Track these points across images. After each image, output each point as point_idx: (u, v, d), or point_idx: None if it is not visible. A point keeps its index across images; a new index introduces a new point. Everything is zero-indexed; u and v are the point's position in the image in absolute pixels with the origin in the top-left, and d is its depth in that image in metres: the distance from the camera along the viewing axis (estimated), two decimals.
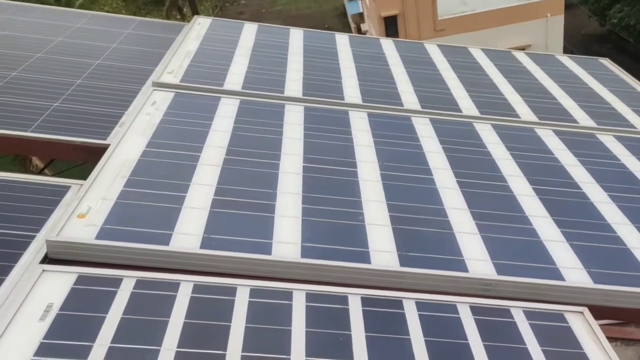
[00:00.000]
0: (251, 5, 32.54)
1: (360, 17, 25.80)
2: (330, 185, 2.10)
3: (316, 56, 3.32)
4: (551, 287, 1.72)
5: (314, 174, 2.15)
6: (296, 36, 3.57)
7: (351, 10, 26.80)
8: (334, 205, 1.98)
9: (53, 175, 4.30)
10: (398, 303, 1.60)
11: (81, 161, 2.34)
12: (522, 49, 19.96)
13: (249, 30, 3.53)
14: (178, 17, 27.07)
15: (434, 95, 2.99)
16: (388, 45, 3.63)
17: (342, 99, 2.83)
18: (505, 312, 1.61)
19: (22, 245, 1.67)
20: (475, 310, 1.60)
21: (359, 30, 25.81)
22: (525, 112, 2.90)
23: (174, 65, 2.90)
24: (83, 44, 3.08)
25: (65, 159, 2.56)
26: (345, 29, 27.78)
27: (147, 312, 1.46)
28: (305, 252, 1.74)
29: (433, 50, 3.62)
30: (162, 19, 27.04)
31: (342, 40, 3.62)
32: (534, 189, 2.22)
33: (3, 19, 3.24)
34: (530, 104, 3.01)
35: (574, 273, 1.79)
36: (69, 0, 25.78)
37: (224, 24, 3.63)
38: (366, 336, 1.47)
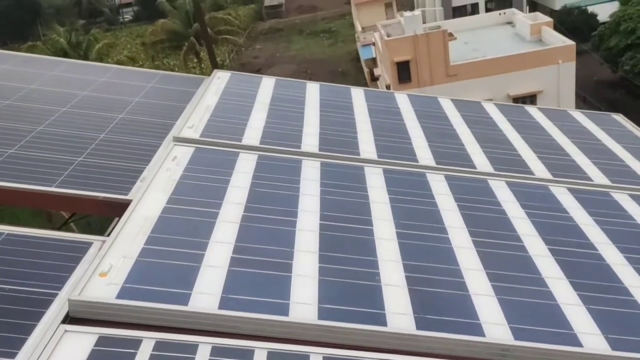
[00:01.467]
0: (266, 50, 33.27)
1: (373, 62, 26.27)
2: (346, 244, 2.13)
3: (332, 110, 3.39)
4: (568, 354, 1.71)
5: (331, 232, 2.18)
6: (312, 90, 3.66)
7: (364, 55, 27.32)
8: (350, 265, 2.00)
9: (75, 220, 4.35)
10: None
11: (103, 216, 2.39)
12: (533, 95, 20.16)
13: (267, 84, 3.63)
14: (195, 60, 27.74)
15: (448, 150, 3.04)
16: (402, 100, 3.71)
17: (358, 154, 2.88)
18: None
19: (45, 303, 1.71)
20: None
21: (372, 75, 26.24)
22: (539, 169, 2.93)
23: (195, 119, 2.98)
24: (107, 97, 3.18)
25: (88, 214, 2.61)
26: (359, 73, 28.25)
27: None
28: (322, 314, 1.75)
29: (447, 104, 3.68)
30: (180, 62, 27.71)
31: (358, 94, 3.70)
32: (549, 249, 2.23)
33: (31, 72, 3.37)
34: (544, 160, 3.04)
35: (592, 339, 1.78)
36: (88, 45, 26.56)
37: (243, 78, 3.73)
38: None
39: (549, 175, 2.88)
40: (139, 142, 2.75)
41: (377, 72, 25.39)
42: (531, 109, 3.76)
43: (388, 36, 21.09)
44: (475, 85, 19.44)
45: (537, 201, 2.59)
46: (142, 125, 2.92)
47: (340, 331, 1.70)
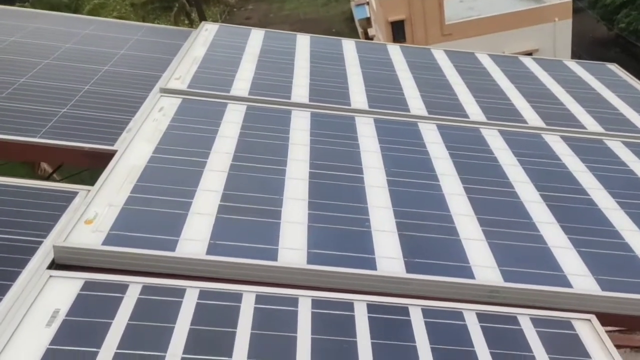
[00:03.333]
0: (258, 10, 32.66)
1: (367, 21, 25.83)
2: (336, 192, 2.10)
3: (323, 62, 3.32)
4: (558, 295, 1.71)
5: (320, 180, 2.16)
6: (303, 42, 3.58)
7: (358, 15, 26.85)
8: (340, 212, 1.98)
9: (61, 179, 4.32)
10: (404, 310, 1.60)
11: (89, 167, 2.35)
12: (529, 53, 19.91)
13: (256, 37, 3.55)
14: (186, 22, 27.22)
15: (440, 101, 2.99)
16: (395, 51, 3.64)
17: (349, 104, 2.84)
18: (512, 320, 1.60)
19: (30, 250, 1.68)
20: (481, 317, 1.59)
21: (367, 35, 25.84)
22: (532, 118, 2.89)
23: (182, 71, 2.91)
24: (91, 50, 3.10)
25: (73, 165, 2.57)
26: (353, 33, 27.81)
27: (153, 318, 1.46)
28: (311, 259, 1.74)
29: (440, 55, 3.62)
30: (170, 24, 27.20)
31: (349, 46, 3.62)
32: (541, 195, 2.21)
33: (12, 25, 3.27)
34: (537, 109, 3.00)
35: (582, 280, 1.78)
36: (78, 5, 25.98)
37: (231, 30, 3.64)
38: (372, 343, 1.47)
39: (542, 124, 2.84)
40: (125, 93, 2.69)
41: (371, 32, 24.99)
42: (525, 59, 3.70)
43: None
44: (471, 44, 19.16)
45: (529, 149, 2.57)
46: (128, 77, 2.85)
47: (329, 275, 1.69)
